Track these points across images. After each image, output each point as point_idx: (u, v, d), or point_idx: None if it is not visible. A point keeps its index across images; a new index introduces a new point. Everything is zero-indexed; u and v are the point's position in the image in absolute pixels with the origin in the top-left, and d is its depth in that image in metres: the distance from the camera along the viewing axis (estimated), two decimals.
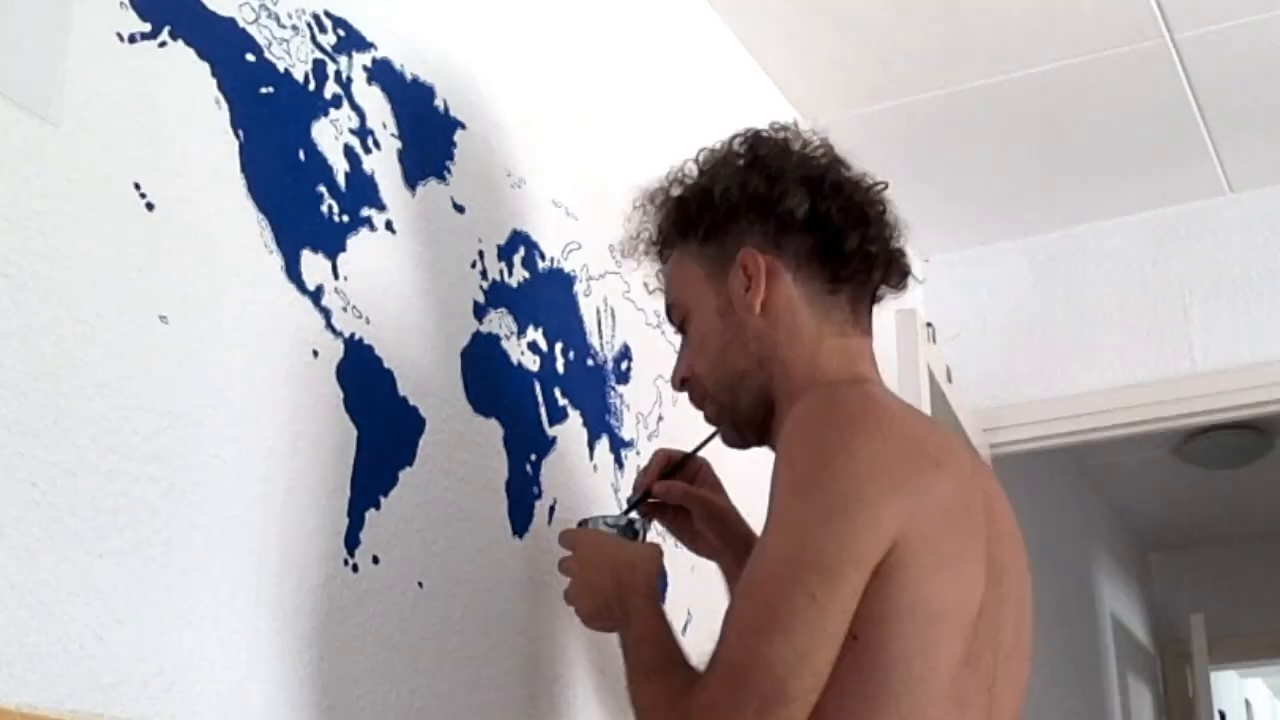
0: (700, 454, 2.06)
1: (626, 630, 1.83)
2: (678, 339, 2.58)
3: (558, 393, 2.25)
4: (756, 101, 3.29)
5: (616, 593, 1.85)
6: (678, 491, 2.03)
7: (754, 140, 1.91)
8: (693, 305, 1.90)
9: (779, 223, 1.84)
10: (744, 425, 1.88)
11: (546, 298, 2.28)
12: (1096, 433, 4.02)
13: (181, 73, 1.65)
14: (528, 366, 2.19)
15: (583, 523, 2.02)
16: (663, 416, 2.55)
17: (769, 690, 1.54)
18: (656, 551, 1.94)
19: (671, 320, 1.96)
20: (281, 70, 1.80)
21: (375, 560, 1.82)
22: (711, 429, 1.96)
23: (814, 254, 1.84)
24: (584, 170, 2.45)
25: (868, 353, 1.88)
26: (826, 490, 1.59)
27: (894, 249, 1.88)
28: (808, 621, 1.54)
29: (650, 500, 2.03)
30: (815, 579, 1.55)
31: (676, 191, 1.94)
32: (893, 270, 1.89)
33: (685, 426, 2.52)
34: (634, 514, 2.02)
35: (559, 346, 2.27)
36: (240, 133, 1.71)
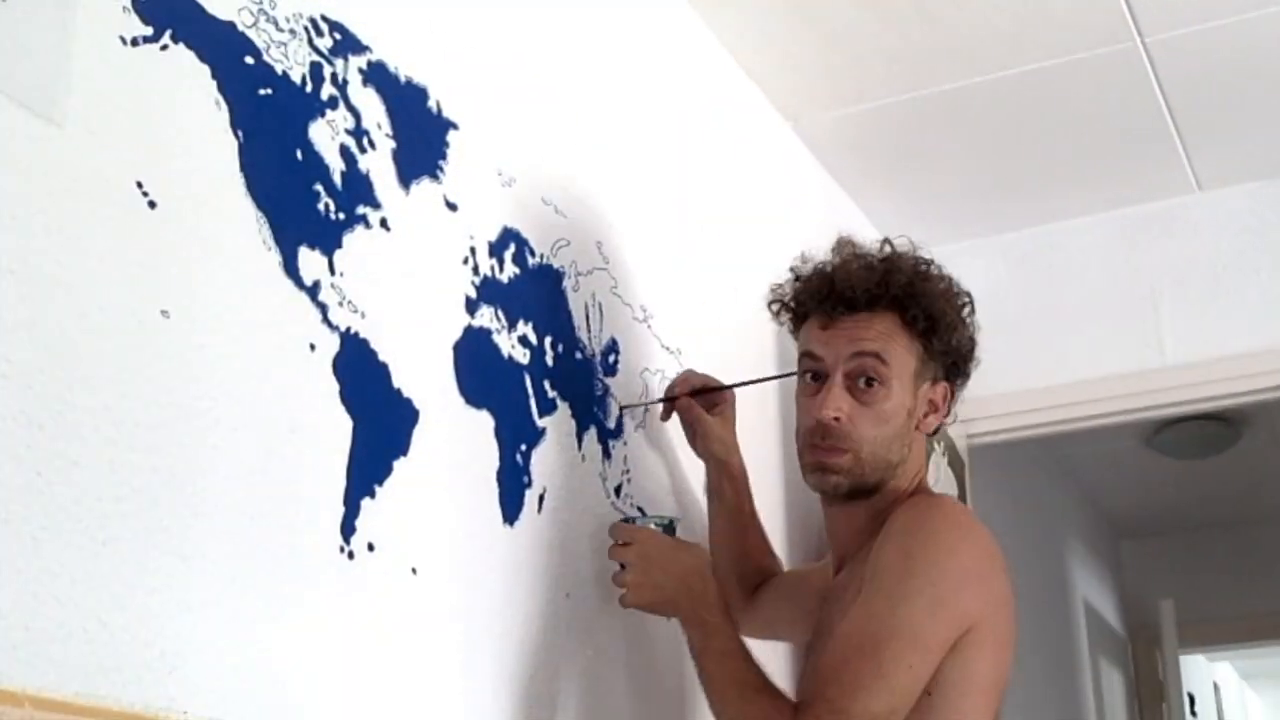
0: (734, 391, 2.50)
1: (708, 639, 2.09)
2: (663, 332, 2.61)
3: (547, 385, 2.25)
4: (739, 103, 3.29)
5: (685, 598, 2.12)
6: (696, 416, 2.45)
7: (954, 285, 2.26)
8: (893, 386, 2.16)
9: (963, 375, 2.27)
10: (859, 490, 2.18)
11: (536, 293, 2.28)
12: (1069, 424, 4.03)
13: (182, 75, 1.65)
14: (518, 360, 2.20)
15: (630, 520, 2.25)
16: (649, 409, 2.55)
17: None
18: (709, 560, 2.22)
19: (864, 362, 2.17)
20: (279, 72, 1.80)
21: (370, 547, 1.82)
22: (771, 375, 2.67)
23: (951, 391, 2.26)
24: (572, 170, 2.45)
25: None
26: (934, 584, 1.98)
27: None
28: (903, 686, 1.94)
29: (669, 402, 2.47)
30: (916, 654, 1.95)
31: (931, 288, 2.22)
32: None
33: (674, 418, 2.53)
34: (673, 516, 2.29)
35: (548, 340, 2.28)
36: (239, 133, 1.71)
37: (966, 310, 2.24)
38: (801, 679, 2.21)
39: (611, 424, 2.42)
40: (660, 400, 2.51)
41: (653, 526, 2.20)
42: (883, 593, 1.99)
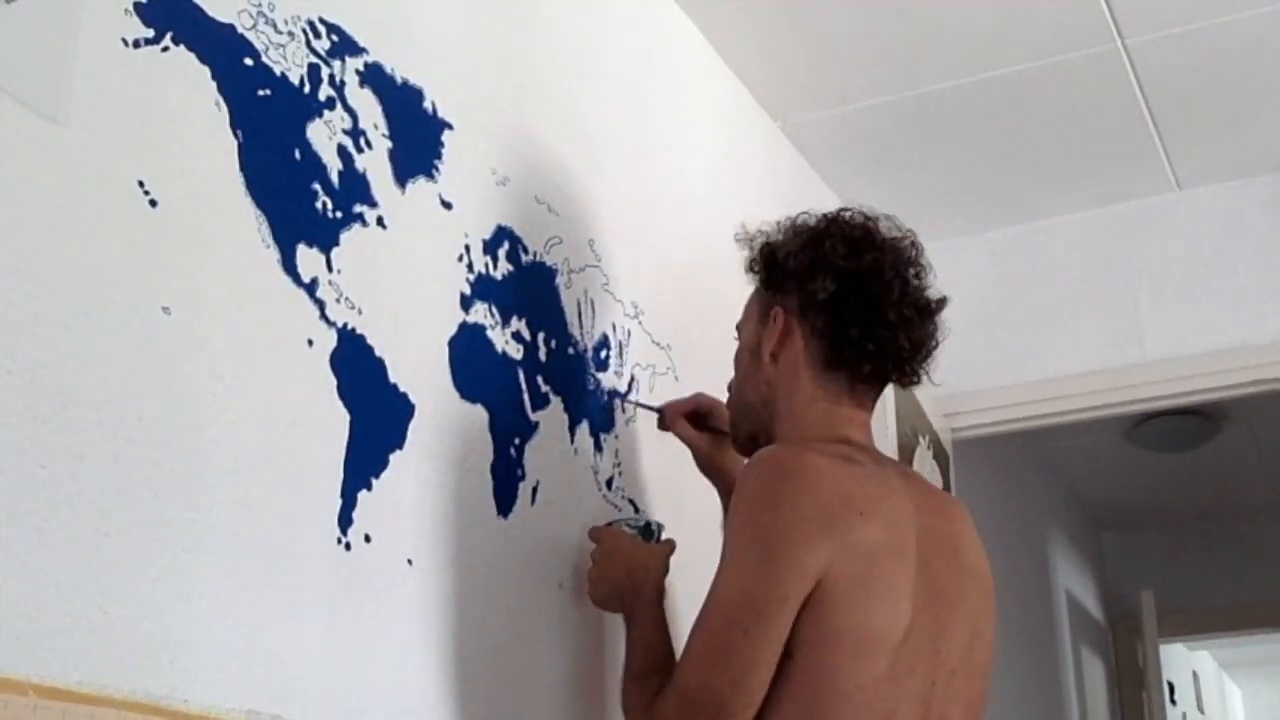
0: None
1: (630, 628, 2.07)
2: (654, 328, 2.63)
3: (540, 380, 2.26)
4: (728, 104, 3.29)
5: (630, 589, 2.10)
6: (678, 433, 2.42)
7: (830, 220, 2.10)
8: (743, 334, 2.17)
9: (807, 297, 2.05)
10: (736, 433, 2.18)
11: (529, 290, 2.28)
12: (1052, 418, 4.03)
13: (183, 76, 1.65)
14: (512, 355, 2.20)
15: (611, 523, 2.25)
16: (638, 409, 2.55)
17: (713, 709, 1.80)
18: (666, 554, 2.17)
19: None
20: (278, 74, 1.80)
21: (367, 539, 1.82)
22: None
23: (824, 333, 2.04)
24: (565, 169, 2.45)
25: (859, 421, 2.07)
26: (759, 540, 1.82)
27: (903, 352, 2.05)
28: (741, 653, 1.78)
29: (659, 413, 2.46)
30: (749, 618, 1.79)
31: (763, 243, 2.16)
32: (893, 369, 2.08)
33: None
34: (651, 520, 2.26)
35: (541, 336, 2.28)
36: (239, 133, 1.72)
37: (811, 231, 2.10)
38: None
39: (603, 418, 2.43)
40: (656, 409, 2.50)
41: (625, 529, 2.22)
42: (720, 569, 1.87)
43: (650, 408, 2.51)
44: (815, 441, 1.98)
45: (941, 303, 2.09)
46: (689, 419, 2.42)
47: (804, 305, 2.05)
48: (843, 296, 2.02)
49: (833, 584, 1.79)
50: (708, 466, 2.41)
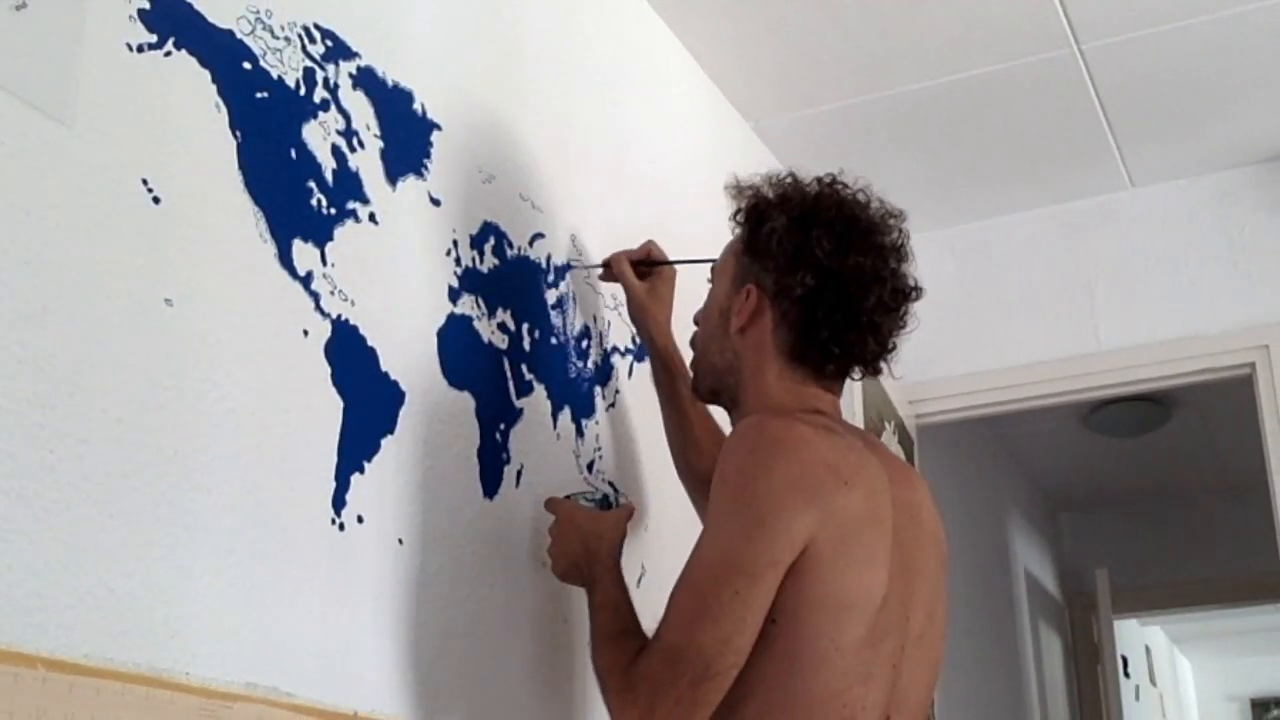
0: (674, 269, 2.44)
1: (592, 594, 2.00)
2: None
3: (524, 368, 2.27)
4: (703, 105, 3.30)
5: (586, 558, 2.04)
6: (621, 271, 2.42)
7: (821, 195, 2.01)
8: (715, 286, 2.09)
9: (784, 286, 1.97)
10: (698, 384, 2.14)
11: (514, 283, 2.29)
12: (1011, 404, 4.05)
13: (185, 79, 1.65)
14: (497, 345, 2.21)
15: (567, 496, 2.17)
16: (620, 390, 2.56)
17: (699, 667, 1.74)
18: (621, 520, 2.10)
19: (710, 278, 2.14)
20: (275, 77, 1.81)
21: (360, 520, 1.83)
22: (706, 257, 2.22)
23: (794, 325, 1.98)
24: (547, 168, 2.46)
25: (827, 400, 2.01)
26: (750, 506, 1.78)
27: (868, 354, 2.00)
28: (731, 613, 1.74)
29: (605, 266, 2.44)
30: (740, 580, 1.74)
31: (752, 200, 2.05)
32: (857, 368, 2.03)
33: (642, 398, 2.54)
34: (608, 490, 2.22)
35: (525, 327, 2.29)
36: (238, 133, 1.72)
37: (800, 210, 2.00)
38: None
39: (584, 405, 2.44)
40: (599, 266, 2.49)
41: (582, 502, 2.15)
42: (707, 523, 1.84)
43: (594, 266, 2.51)
44: (785, 412, 1.94)
45: (918, 292, 2.03)
46: (633, 265, 2.42)
47: (779, 291, 1.98)
48: (819, 295, 1.95)
49: (818, 551, 1.76)
50: (640, 311, 2.41)
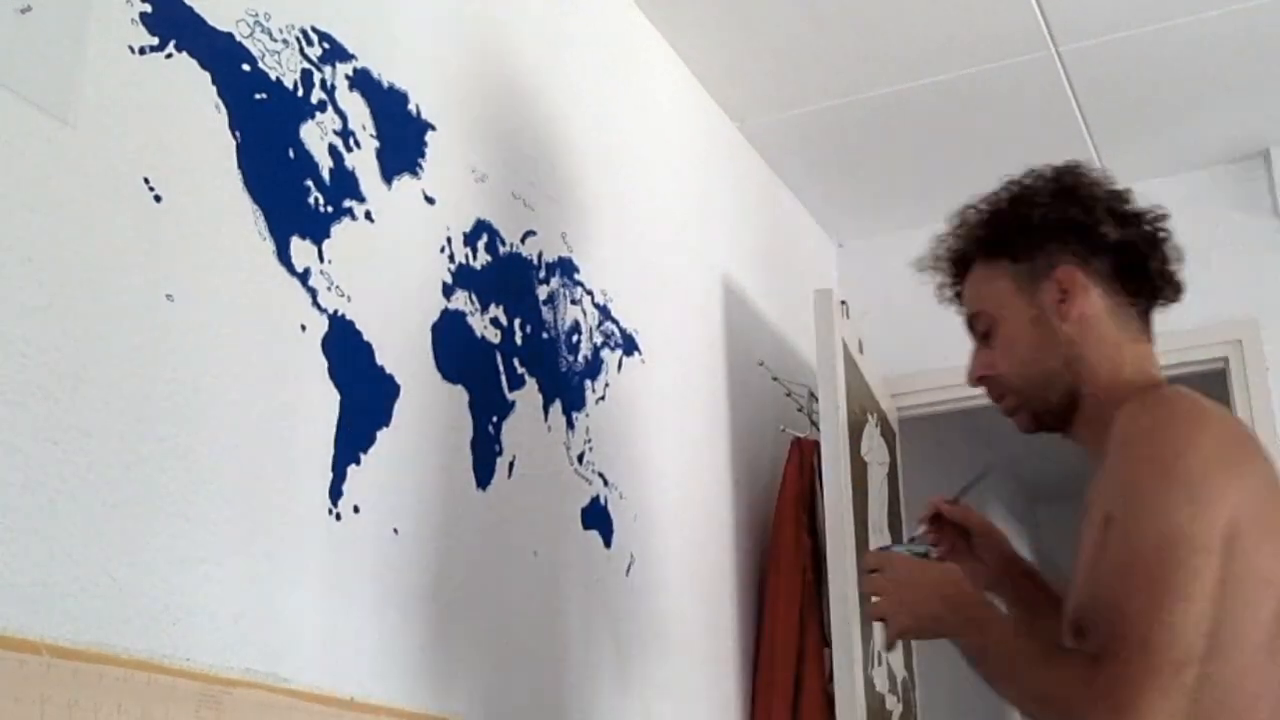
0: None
1: (983, 636, 1.82)
2: (622, 314, 2.63)
3: (516, 362, 2.27)
4: (691, 105, 3.30)
5: (946, 609, 1.85)
6: (961, 512, 2.12)
7: (1060, 173, 1.95)
8: (1002, 315, 1.93)
9: (1091, 245, 1.88)
10: (1045, 414, 1.94)
11: (507, 279, 2.29)
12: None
13: (185, 81, 1.66)
14: (490, 339, 2.21)
15: (883, 549, 2.04)
16: (610, 383, 2.57)
17: (1178, 654, 1.59)
18: (960, 569, 1.95)
19: (973, 327, 1.99)
20: (273, 79, 1.81)
21: (356, 510, 1.84)
22: (977, 473, 2.10)
23: (1118, 273, 1.89)
24: (539, 167, 2.46)
25: (1153, 356, 1.93)
26: (1184, 481, 1.65)
27: (1174, 270, 1.93)
28: (1196, 592, 1.60)
29: (935, 522, 2.09)
30: (1198, 556, 1.61)
31: (986, 216, 1.96)
32: (1174, 288, 1.95)
33: (631, 391, 2.55)
34: (925, 543, 2.02)
35: (517, 322, 2.29)
36: (237, 133, 1.72)
37: (1052, 187, 1.94)
38: (1067, 613, 1.88)
39: (574, 398, 2.44)
40: (933, 516, 2.11)
41: (904, 552, 1.98)
42: (1135, 514, 1.69)
43: (927, 518, 2.12)
44: (1132, 382, 1.86)
45: (1166, 214, 1.97)
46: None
47: (1091, 252, 1.89)
48: (1129, 233, 1.89)
49: (1241, 525, 1.65)
50: (992, 551, 2.14)
